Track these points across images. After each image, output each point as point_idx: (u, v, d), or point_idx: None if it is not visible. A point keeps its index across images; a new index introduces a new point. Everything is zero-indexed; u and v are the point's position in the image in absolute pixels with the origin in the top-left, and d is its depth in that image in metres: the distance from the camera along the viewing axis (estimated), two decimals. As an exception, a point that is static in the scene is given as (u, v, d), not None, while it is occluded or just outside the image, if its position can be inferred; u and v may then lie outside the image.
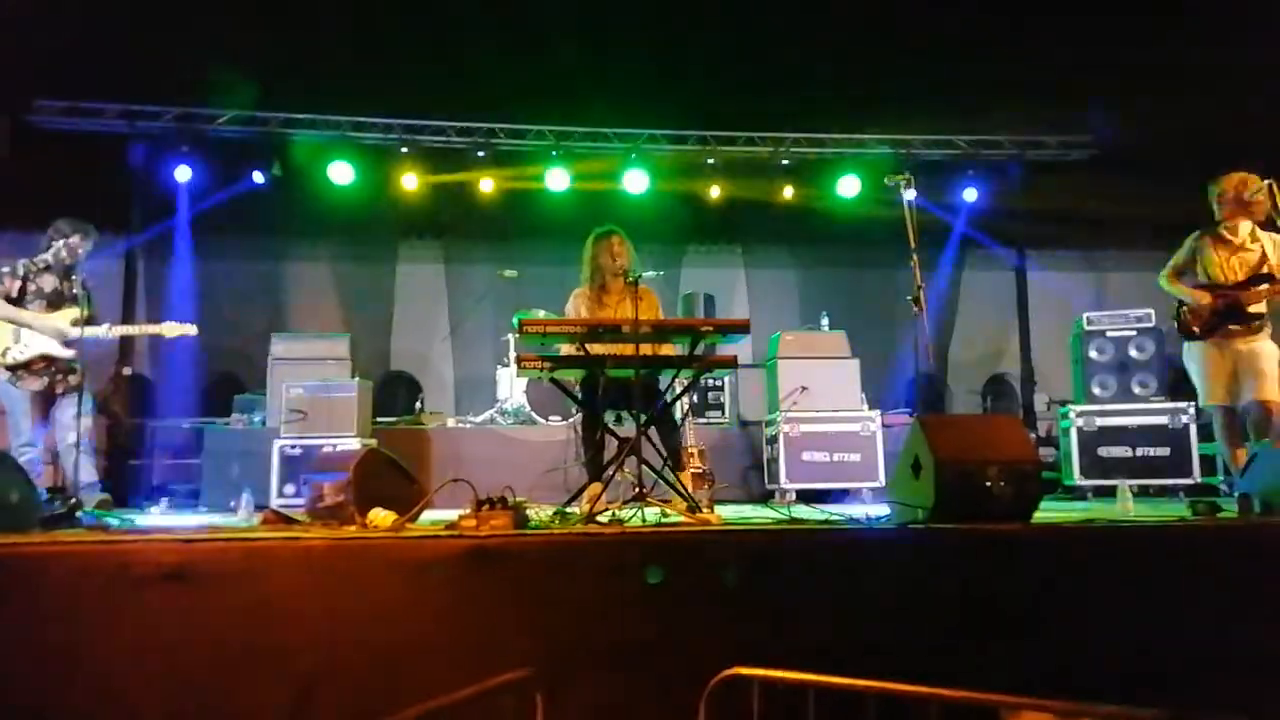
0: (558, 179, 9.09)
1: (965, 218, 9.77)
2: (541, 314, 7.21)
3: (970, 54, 7.34)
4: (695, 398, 7.80)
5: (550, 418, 7.43)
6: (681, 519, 3.78)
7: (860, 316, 8.53)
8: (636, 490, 3.86)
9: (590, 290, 4.94)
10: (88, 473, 5.07)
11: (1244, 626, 2.87)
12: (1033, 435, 8.54)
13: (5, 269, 5.23)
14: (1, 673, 2.62)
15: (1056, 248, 10.19)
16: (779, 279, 10.70)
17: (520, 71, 7.72)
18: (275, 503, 6.13)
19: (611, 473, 4.21)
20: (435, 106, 8.70)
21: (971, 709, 1.77)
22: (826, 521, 3.63)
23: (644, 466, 4.01)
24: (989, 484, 3.27)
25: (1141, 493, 6.44)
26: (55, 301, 5.25)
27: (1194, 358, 4.91)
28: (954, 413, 9.65)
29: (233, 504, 5.26)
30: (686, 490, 4.24)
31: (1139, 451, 6.85)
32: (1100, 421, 6.98)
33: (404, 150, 8.92)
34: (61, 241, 5.25)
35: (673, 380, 4.46)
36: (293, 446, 6.55)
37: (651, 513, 3.79)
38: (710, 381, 7.97)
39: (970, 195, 9.51)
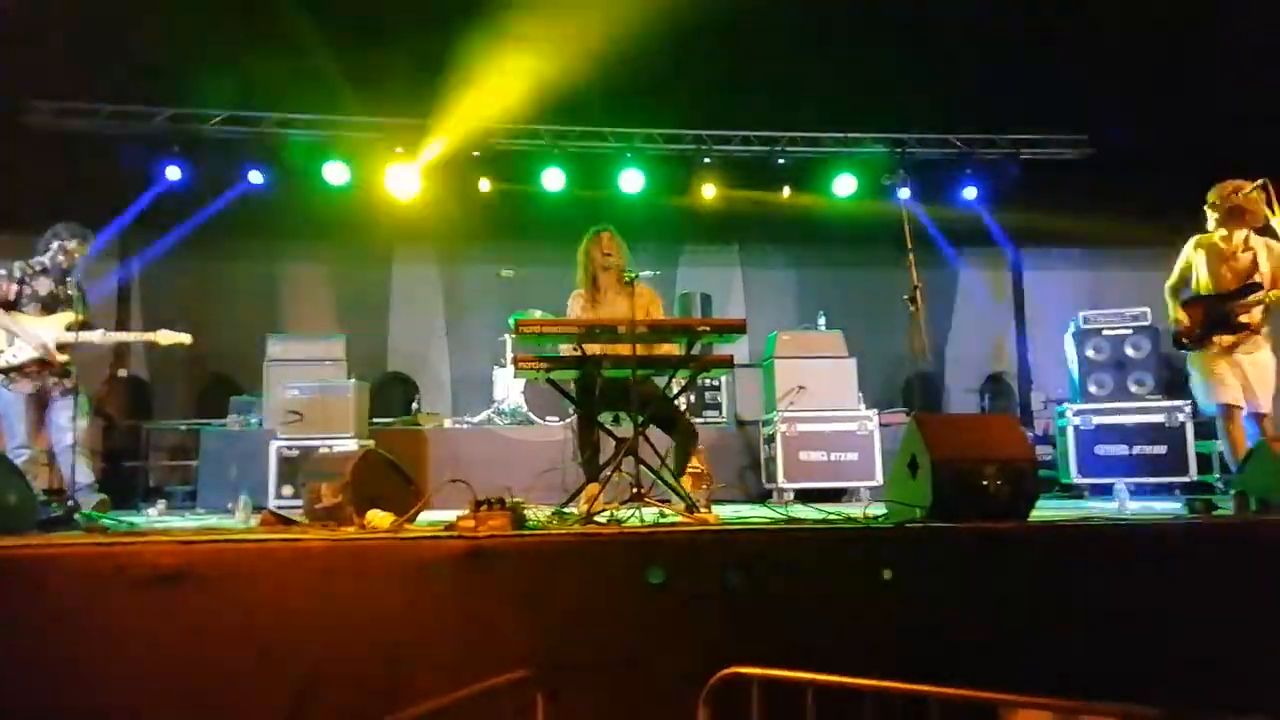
0: (553, 179, 9.08)
1: (961, 217, 9.78)
2: (538, 314, 7.22)
3: (966, 52, 7.34)
4: (692, 398, 7.80)
5: (548, 418, 7.43)
6: (679, 519, 3.79)
7: (857, 316, 8.54)
8: (634, 490, 3.86)
9: (586, 290, 4.94)
10: (85, 475, 5.07)
11: (1241, 624, 2.88)
12: (1030, 434, 8.56)
13: (1, 272, 5.23)
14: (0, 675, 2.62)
15: (1053, 246, 10.21)
16: (775, 279, 10.70)
17: (514, 71, 7.71)
18: (273, 504, 6.13)
19: (609, 473, 4.21)
20: (429, 106, 8.67)
21: (969, 707, 1.77)
22: (824, 521, 3.64)
23: (642, 467, 4.01)
24: (986, 483, 3.28)
25: (1138, 491, 6.46)
26: (50, 305, 5.25)
27: (1196, 366, 4.92)
28: (951, 412, 9.67)
29: (230, 505, 5.26)
30: (684, 490, 4.25)
31: (1135, 450, 6.86)
32: (1097, 420, 6.99)
33: (399, 150, 8.91)
34: (58, 244, 5.25)
35: (669, 380, 4.46)
36: (289, 448, 6.54)
37: (649, 513, 3.79)
38: (707, 381, 7.98)
39: (970, 194, 9.51)
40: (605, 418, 4.57)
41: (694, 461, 5.77)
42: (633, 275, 4.29)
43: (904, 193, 8.82)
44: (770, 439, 6.87)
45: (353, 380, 7.02)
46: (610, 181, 9.18)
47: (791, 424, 6.69)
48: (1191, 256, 5.02)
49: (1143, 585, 2.97)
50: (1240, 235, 4.87)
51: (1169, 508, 4.68)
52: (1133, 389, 7.10)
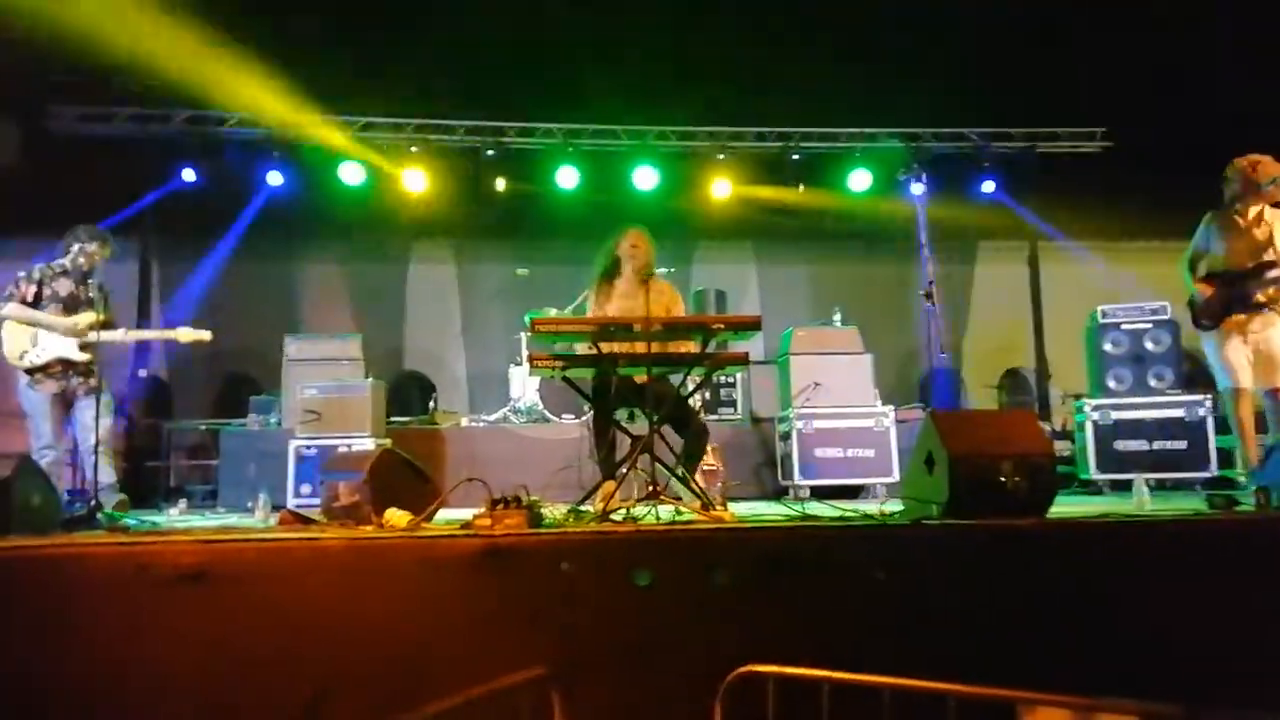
0: (567, 177, 9.09)
1: (977, 211, 9.71)
2: (553, 313, 7.24)
3: (981, 45, 7.29)
4: (707, 395, 7.79)
5: (563, 416, 7.44)
6: (695, 517, 3.79)
7: (873, 311, 8.50)
8: (650, 488, 3.87)
9: (601, 282, 4.91)
10: (107, 474, 5.13)
11: (1263, 621, 2.85)
12: (1048, 429, 8.50)
13: (21, 274, 5.30)
14: (22, 673, 2.65)
15: (1070, 240, 10.12)
16: (790, 275, 10.67)
17: (529, 69, 7.73)
18: (291, 503, 6.18)
19: (625, 470, 4.21)
20: (445, 105, 8.71)
21: (987, 705, 1.76)
22: (840, 518, 3.63)
23: (657, 464, 4.01)
24: (1003, 479, 3.26)
25: (1158, 486, 6.40)
26: (71, 306, 5.31)
27: (1210, 345, 4.88)
28: (968, 407, 9.61)
29: (250, 504, 5.30)
30: (700, 488, 4.24)
31: (1155, 445, 6.80)
32: (1116, 415, 6.94)
33: (414, 149, 8.95)
34: (78, 246, 5.31)
35: (684, 378, 4.46)
36: (308, 447, 6.59)
37: (665, 510, 3.80)
38: (722, 378, 7.96)
39: (987, 188, 9.44)
40: (620, 415, 4.58)
41: (708, 459, 5.77)
42: (649, 273, 4.30)
43: (918, 188, 8.78)
44: (786, 436, 6.86)
45: (370, 379, 7.06)
46: (625, 179, 9.18)
47: (807, 420, 6.68)
48: (1207, 232, 4.96)
49: (1163, 583, 2.95)
50: (1255, 210, 4.81)
51: (1190, 504, 4.63)
52: (1152, 383, 7.04)
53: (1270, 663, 2.78)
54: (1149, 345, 7.09)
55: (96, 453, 4.95)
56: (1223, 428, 6.58)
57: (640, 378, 4.33)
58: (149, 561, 2.78)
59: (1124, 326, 7.17)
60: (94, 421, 4.98)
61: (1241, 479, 6.49)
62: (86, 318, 5.24)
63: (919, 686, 1.79)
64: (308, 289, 9.97)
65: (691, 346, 4.55)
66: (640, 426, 4.37)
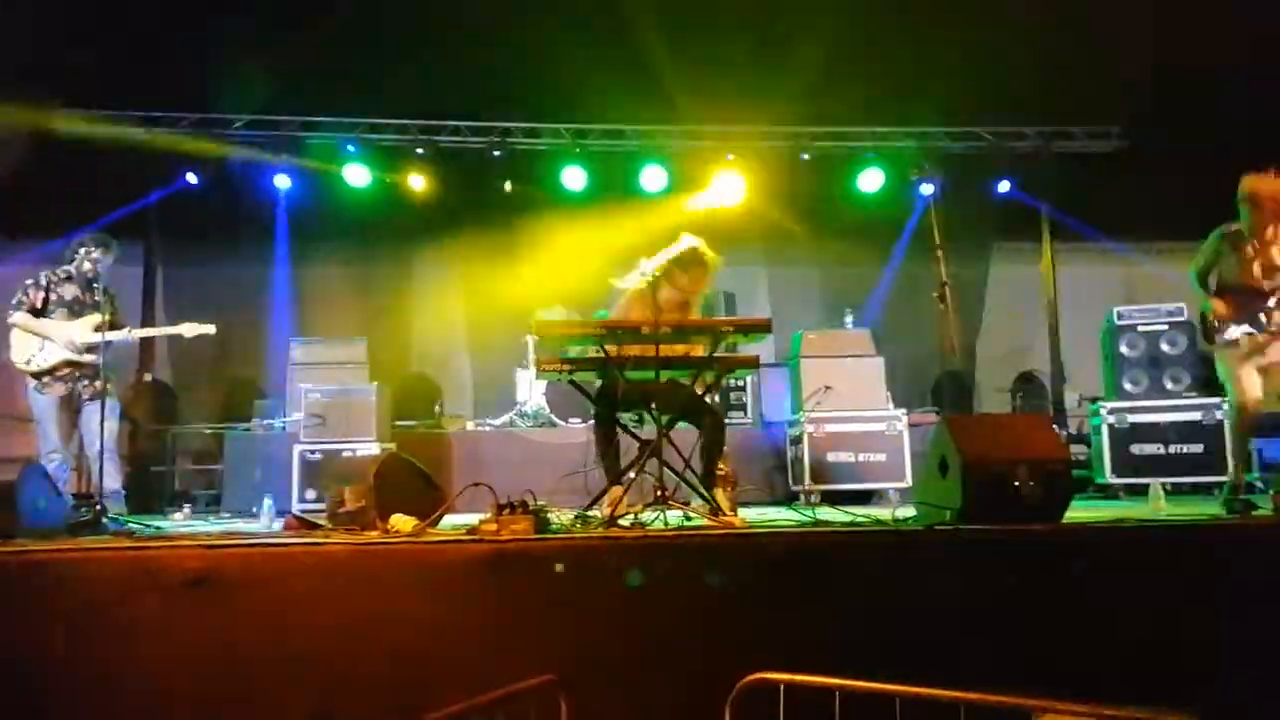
0: (574, 177, 9.07)
1: (991, 211, 9.64)
2: (560, 312, 7.21)
3: (993, 43, 7.23)
4: (717, 398, 7.75)
5: (570, 420, 7.41)
6: (704, 522, 3.75)
7: (885, 314, 8.44)
8: (658, 493, 3.83)
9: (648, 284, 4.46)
10: (112, 479, 5.14)
11: (1284, 627, 2.80)
12: (1063, 433, 8.41)
13: (29, 281, 5.37)
14: (27, 674, 2.64)
15: (1086, 241, 10.04)
16: (800, 277, 10.62)
17: (535, 69, 7.72)
18: (296, 507, 6.15)
19: (632, 475, 4.17)
20: (450, 106, 8.71)
21: (1000, 712, 1.73)
22: (852, 523, 3.59)
23: (666, 469, 3.97)
24: (1017, 484, 3.22)
25: (1174, 491, 6.33)
26: (77, 310, 5.37)
27: (1222, 360, 4.86)
28: (982, 411, 9.54)
29: (255, 509, 5.29)
30: (709, 493, 4.20)
31: (1172, 449, 6.72)
32: (1132, 418, 6.86)
33: (419, 151, 8.95)
34: (83, 252, 5.37)
35: (694, 381, 4.41)
36: (312, 451, 6.57)
37: (674, 516, 3.76)
38: (732, 382, 7.92)
39: (1001, 188, 9.37)
40: (629, 418, 4.53)
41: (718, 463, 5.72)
42: (652, 278, 4.25)
43: (927, 188, 8.73)
44: (797, 440, 6.81)
45: (375, 383, 7.04)
46: (632, 180, 9.15)
47: (818, 424, 6.62)
48: (1219, 247, 4.93)
49: (1179, 589, 2.90)
50: (1271, 229, 4.78)
51: (1207, 509, 4.57)
52: (1169, 386, 6.96)
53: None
54: (1165, 348, 7.01)
55: (101, 457, 4.96)
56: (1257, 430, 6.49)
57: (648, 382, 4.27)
58: (154, 566, 2.78)
59: (1140, 329, 7.10)
60: (99, 426, 4.99)
61: (1259, 484, 6.41)
62: (91, 319, 5.27)
63: (931, 694, 1.76)
64: (313, 292, 9.97)
65: (701, 349, 4.50)
66: (649, 430, 4.32)
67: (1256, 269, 4.74)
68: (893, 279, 9.80)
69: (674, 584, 2.82)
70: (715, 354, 4.28)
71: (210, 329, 5.59)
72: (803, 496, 6.63)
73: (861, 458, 6.60)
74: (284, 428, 7.28)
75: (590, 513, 3.97)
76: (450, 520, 3.90)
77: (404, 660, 2.69)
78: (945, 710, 1.75)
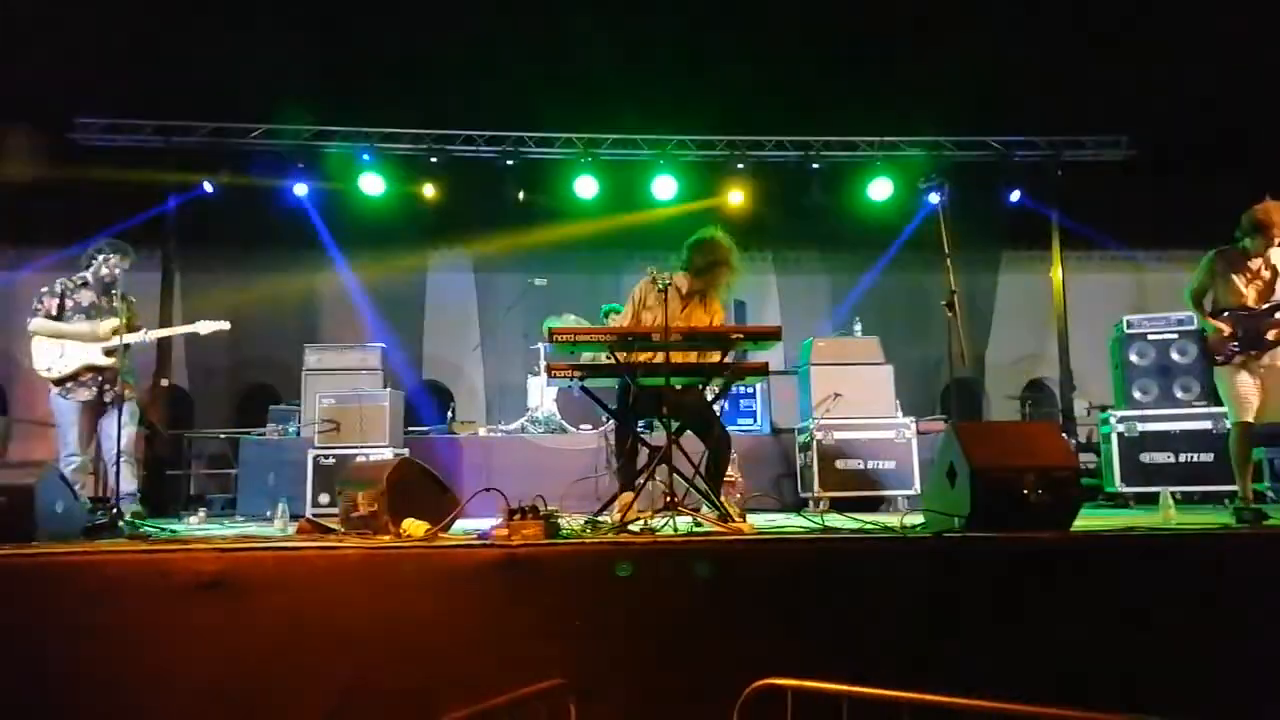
0: (586, 186, 9.12)
1: (1000, 220, 9.63)
2: (571, 320, 7.24)
3: (1003, 53, 7.24)
4: (726, 405, 7.76)
5: (581, 426, 7.43)
6: (713, 528, 3.76)
7: (894, 321, 8.44)
8: (668, 499, 3.84)
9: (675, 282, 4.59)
10: (128, 483, 5.17)
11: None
12: (1073, 441, 8.39)
13: (44, 289, 5.41)
14: (43, 675, 2.67)
15: (1095, 249, 10.02)
16: (810, 284, 10.63)
17: (549, 80, 7.76)
18: (310, 512, 6.20)
19: (643, 481, 4.19)
20: (464, 116, 8.77)
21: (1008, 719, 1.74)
22: (860, 530, 3.59)
23: (675, 475, 3.99)
24: (1026, 491, 3.22)
25: (1185, 500, 6.30)
26: (94, 316, 5.39)
27: (1223, 381, 4.87)
28: (991, 419, 9.51)
29: (269, 513, 5.33)
30: (719, 499, 4.22)
31: (1182, 457, 6.69)
32: (1142, 427, 6.84)
33: (434, 160, 9.00)
34: (101, 258, 5.39)
35: (704, 388, 4.43)
36: (326, 456, 6.62)
37: (683, 521, 3.77)
38: (742, 389, 7.92)
39: (1014, 196, 9.36)
40: (642, 426, 4.55)
41: (729, 470, 5.73)
42: (666, 283, 4.28)
43: (933, 197, 8.72)
44: (806, 447, 6.81)
45: (388, 389, 7.08)
46: (644, 189, 9.18)
47: (827, 432, 6.63)
48: (1214, 268, 4.95)
49: (1189, 598, 2.89)
50: (1263, 257, 4.81)
51: (1217, 518, 4.56)
52: (1179, 395, 6.94)
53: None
54: (1175, 356, 6.99)
55: (119, 461, 5.00)
56: (1260, 441, 6.47)
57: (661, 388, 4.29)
58: (169, 569, 2.80)
59: (1150, 337, 7.08)
60: (117, 430, 5.03)
61: (1270, 493, 6.38)
62: (109, 323, 5.31)
63: (938, 701, 1.76)
64: (328, 299, 10.05)
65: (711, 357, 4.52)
66: (659, 437, 4.34)
67: (1253, 291, 4.77)
68: (902, 287, 9.79)
69: (682, 590, 2.84)
70: (725, 361, 4.30)
71: (225, 325, 5.65)
72: (811, 503, 6.64)
73: (870, 465, 6.60)
74: (298, 432, 7.33)
75: (600, 518, 3.99)
76: (462, 525, 3.92)
77: (416, 663, 2.71)
78: (952, 717, 1.75)
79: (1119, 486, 6.80)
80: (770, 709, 1.90)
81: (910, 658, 2.74)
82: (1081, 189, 9.02)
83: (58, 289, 5.39)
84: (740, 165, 9.27)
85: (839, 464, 6.59)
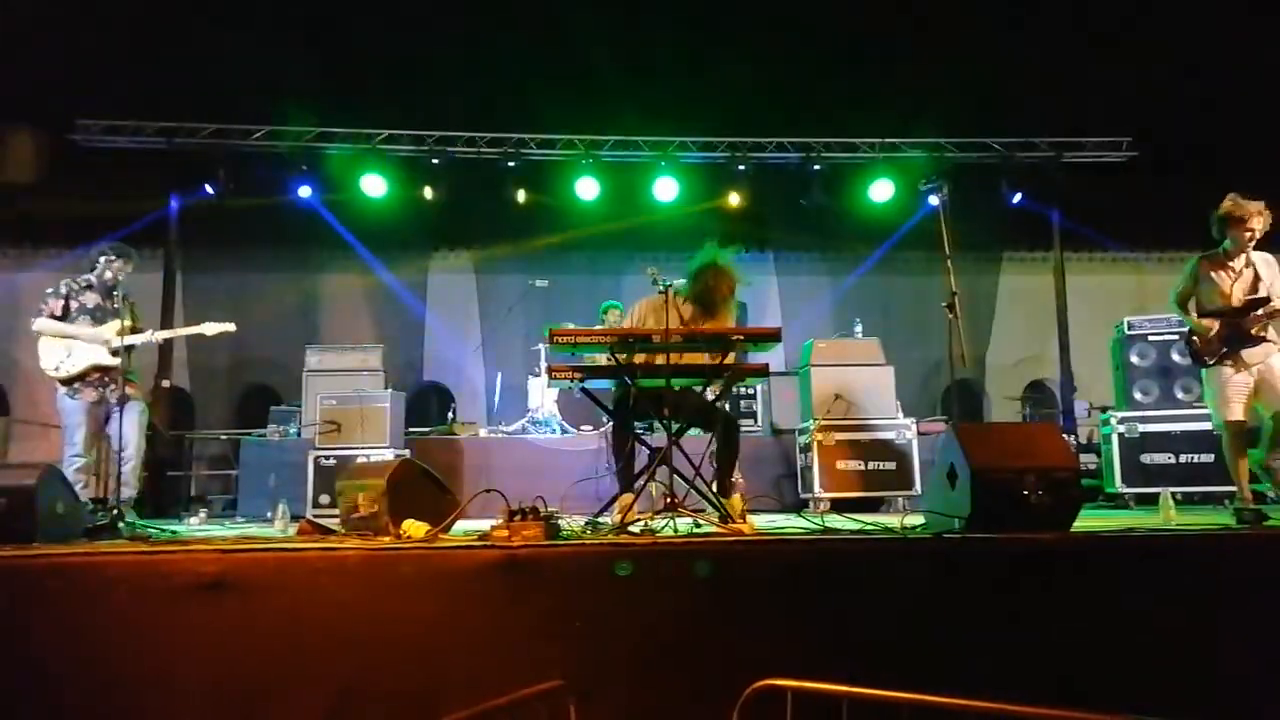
0: (588, 188, 9.12)
1: (1001, 222, 9.62)
2: (570, 324, 7.23)
3: (1003, 54, 7.24)
4: (727, 406, 7.76)
5: (582, 427, 7.44)
6: (714, 529, 3.76)
7: (894, 323, 8.44)
8: (668, 500, 3.84)
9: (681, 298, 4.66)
10: (128, 486, 5.19)
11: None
12: (1073, 442, 8.38)
13: (49, 290, 5.44)
14: (43, 676, 2.67)
15: (1095, 250, 10.02)
16: (811, 286, 10.64)
17: (550, 82, 7.77)
18: (310, 513, 6.20)
19: (643, 482, 4.19)
20: (466, 118, 8.78)
21: (1008, 720, 1.74)
22: (861, 531, 3.59)
23: (676, 476, 3.99)
24: (1026, 492, 3.22)
25: (1185, 500, 6.30)
26: (99, 317, 5.43)
27: (1210, 381, 4.88)
28: (991, 420, 9.51)
29: (270, 514, 5.33)
30: (723, 499, 4.22)
31: (1182, 458, 6.70)
32: (1143, 428, 6.84)
33: (435, 162, 9.01)
34: (104, 260, 5.43)
35: (704, 389, 4.43)
36: (327, 457, 6.63)
37: (684, 523, 3.77)
38: (743, 390, 7.93)
39: (1015, 198, 9.36)
40: (639, 426, 4.55)
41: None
42: (666, 284, 4.28)
43: (934, 198, 8.71)
44: (806, 448, 6.81)
45: (389, 390, 7.09)
46: (645, 190, 9.19)
47: (828, 433, 6.63)
48: (1197, 273, 4.96)
49: (1189, 599, 2.89)
50: (1244, 250, 4.82)
51: (1218, 519, 4.56)
52: (1180, 396, 6.94)
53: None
54: (1176, 357, 6.99)
55: (120, 462, 5.02)
56: (1252, 440, 6.47)
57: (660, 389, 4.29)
58: (170, 569, 2.80)
59: (1151, 338, 7.08)
60: (119, 429, 5.04)
61: (1271, 494, 6.38)
62: (115, 325, 5.33)
63: (938, 702, 1.76)
64: (329, 300, 10.06)
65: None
66: (660, 438, 4.35)
67: (1238, 291, 4.78)
68: (902, 288, 9.79)
69: (683, 590, 2.84)
70: (726, 362, 4.30)
71: (231, 327, 5.68)
72: (812, 504, 6.64)
73: (871, 466, 6.60)
74: (299, 433, 7.34)
75: (601, 519, 3.99)
76: (462, 526, 3.93)
77: (416, 664, 2.71)
78: (952, 718, 1.75)
79: (1119, 487, 6.80)
80: (770, 709, 1.90)
81: (910, 658, 2.74)
82: (1082, 190, 9.02)
83: (63, 290, 5.44)
84: (741, 167, 9.28)
85: (839, 465, 6.59)
